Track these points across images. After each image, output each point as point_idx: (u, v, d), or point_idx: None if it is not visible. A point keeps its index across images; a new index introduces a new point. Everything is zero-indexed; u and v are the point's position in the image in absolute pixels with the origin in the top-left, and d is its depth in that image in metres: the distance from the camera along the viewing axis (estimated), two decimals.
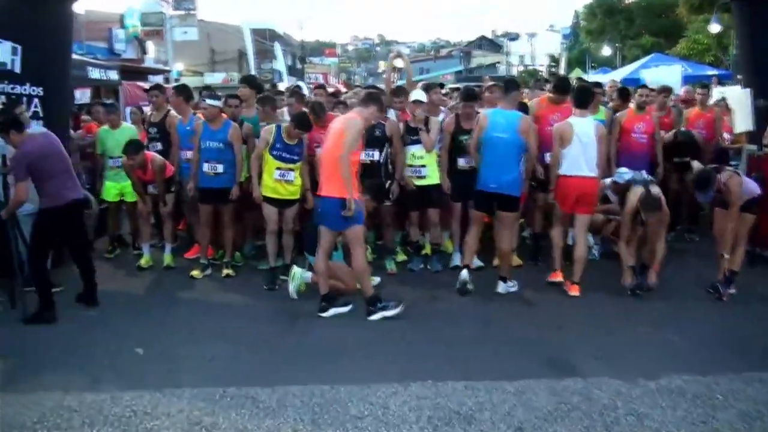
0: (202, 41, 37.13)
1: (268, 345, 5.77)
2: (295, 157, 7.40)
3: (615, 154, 8.61)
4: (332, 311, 6.44)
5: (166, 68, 27.78)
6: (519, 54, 77.91)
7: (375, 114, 6.69)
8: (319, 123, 7.76)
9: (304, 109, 8.03)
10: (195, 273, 7.80)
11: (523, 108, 7.79)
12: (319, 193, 6.55)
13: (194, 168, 7.85)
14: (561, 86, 8.19)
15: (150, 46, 31.84)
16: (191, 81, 25.65)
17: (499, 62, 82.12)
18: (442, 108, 8.68)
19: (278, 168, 7.37)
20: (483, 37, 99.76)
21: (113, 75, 12.77)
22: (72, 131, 8.55)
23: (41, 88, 7.78)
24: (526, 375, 5.07)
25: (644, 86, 9.22)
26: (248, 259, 8.39)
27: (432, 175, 7.75)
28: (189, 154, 7.98)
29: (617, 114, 8.87)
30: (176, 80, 26.73)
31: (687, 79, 19.02)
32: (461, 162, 7.80)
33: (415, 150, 7.73)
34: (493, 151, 6.98)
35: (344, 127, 6.36)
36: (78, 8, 24.53)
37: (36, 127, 6.79)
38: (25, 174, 6.15)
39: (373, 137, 7.63)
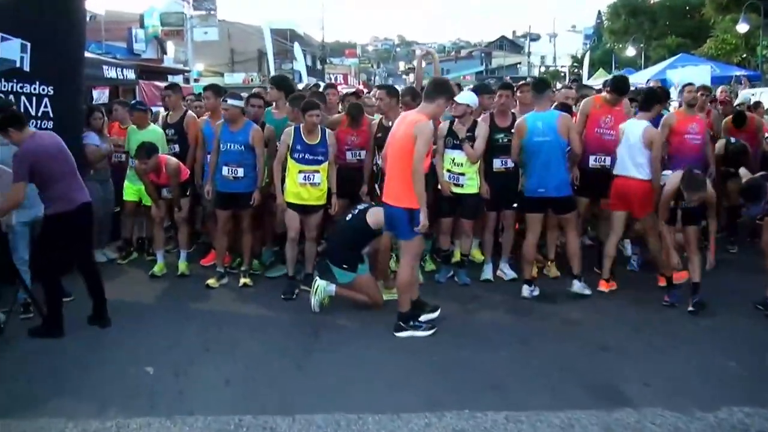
0: (222, 41, 37.25)
1: (287, 365, 5.31)
2: (320, 158, 6.97)
3: (663, 157, 8.11)
4: (408, 333, 5.91)
5: (186, 68, 27.65)
6: (540, 54, 77.43)
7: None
8: (355, 126, 7.47)
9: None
10: (211, 282, 7.39)
11: (567, 109, 7.34)
12: (384, 200, 6.04)
13: (211, 171, 7.46)
14: (619, 86, 7.51)
15: (170, 46, 31.79)
16: (211, 81, 25.22)
17: (520, 63, 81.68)
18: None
19: (301, 171, 6.95)
20: (504, 38, 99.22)
21: (130, 74, 12.44)
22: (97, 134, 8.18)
23: (52, 87, 7.42)
24: (572, 404, 4.58)
25: (692, 84, 8.65)
26: (266, 267, 7.95)
27: (471, 185, 7.16)
28: None
29: (665, 115, 8.35)
30: (196, 80, 26.58)
31: (714, 80, 18.52)
32: (497, 163, 7.30)
33: (456, 156, 7.13)
34: (536, 157, 6.70)
35: (415, 132, 5.65)
36: (97, 8, 25.10)
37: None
38: (25, 174, 5.69)
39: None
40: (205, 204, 7.91)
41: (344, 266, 6.41)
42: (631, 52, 40.13)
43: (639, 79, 22.01)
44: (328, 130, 7.15)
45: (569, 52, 62.92)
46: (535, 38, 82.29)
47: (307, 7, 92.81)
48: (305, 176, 6.95)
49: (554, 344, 5.69)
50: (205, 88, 8.47)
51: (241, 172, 7.22)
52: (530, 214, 6.92)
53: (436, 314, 6.02)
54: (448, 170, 7.17)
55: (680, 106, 8.98)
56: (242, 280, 7.42)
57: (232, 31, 43.63)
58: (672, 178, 6.53)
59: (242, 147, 7.21)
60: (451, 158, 7.15)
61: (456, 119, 7.12)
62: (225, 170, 7.25)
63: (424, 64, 9.38)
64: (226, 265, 7.79)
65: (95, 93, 15.11)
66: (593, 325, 6.14)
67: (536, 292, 6.84)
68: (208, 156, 7.72)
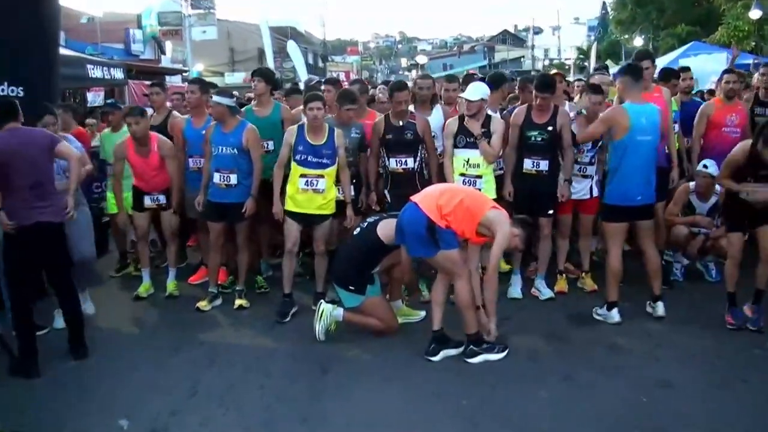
0: (221, 40, 36.71)
1: (289, 417, 4.41)
2: (325, 161, 6.14)
3: (697, 152, 7.34)
4: (443, 354, 5.18)
5: (184, 68, 26.98)
6: (544, 48, 76.57)
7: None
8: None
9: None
10: (202, 304, 6.53)
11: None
12: (413, 198, 5.26)
13: (205, 179, 6.60)
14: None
15: (168, 46, 31.14)
16: (211, 81, 24.53)
17: (523, 56, 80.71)
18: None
19: (303, 175, 6.13)
20: (506, 32, 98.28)
21: (118, 74, 11.62)
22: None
23: (21, 89, 6.55)
24: None
25: (731, 71, 7.77)
26: (261, 287, 7.09)
27: (488, 188, 6.30)
28: (202, 162, 6.75)
29: (702, 105, 7.48)
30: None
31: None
32: (527, 164, 6.41)
33: (471, 156, 6.25)
34: (637, 159, 5.73)
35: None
36: (95, 10, 24.53)
37: None
38: None
39: (403, 141, 6.41)
40: (194, 214, 7.05)
41: (351, 288, 5.57)
42: (638, 42, 39.25)
43: None
44: (336, 130, 6.30)
45: (574, 44, 62.02)
46: (537, 31, 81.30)
47: (308, 4, 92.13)
48: (307, 181, 6.13)
49: (603, 380, 4.79)
50: (190, 81, 7.62)
51: (234, 179, 6.38)
52: (616, 224, 5.92)
53: (458, 351, 5.21)
54: (462, 174, 6.29)
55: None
56: (237, 302, 6.57)
57: (231, 30, 43.07)
58: (739, 145, 5.67)
59: (235, 150, 6.36)
60: (464, 159, 6.28)
61: (466, 115, 6.26)
62: (217, 177, 6.40)
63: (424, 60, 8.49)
64: (220, 283, 6.97)
65: (89, 95, 14.32)
66: (646, 355, 5.23)
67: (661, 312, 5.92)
68: (190, 161, 6.92)
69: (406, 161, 6.44)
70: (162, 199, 6.83)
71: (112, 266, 7.96)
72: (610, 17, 49.06)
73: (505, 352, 5.16)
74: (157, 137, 6.86)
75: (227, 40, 42.11)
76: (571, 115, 6.63)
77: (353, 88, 7.30)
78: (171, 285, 7.05)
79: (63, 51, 10.49)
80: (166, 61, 29.87)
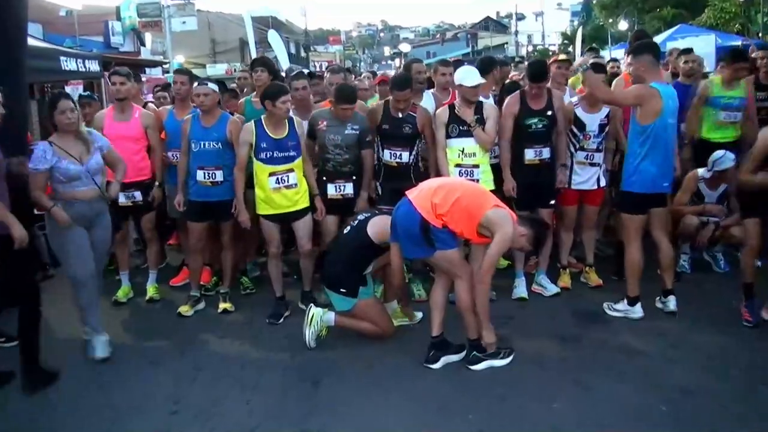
0: (202, 31, 36.34)
1: None
2: (291, 153, 5.76)
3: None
4: (443, 360, 4.81)
5: (165, 60, 26.45)
6: (527, 34, 76.23)
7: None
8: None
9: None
10: (184, 309, 6.13)
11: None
12: (408, 193, 4.86)
13: (181, 177, 6.18)
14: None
15: (148, 38, 30.61)
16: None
17: (506, 43, 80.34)
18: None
19: (272, 173, 5.73)
20: (489, 18, 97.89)
21: (94, 66, 11.04)
22: None
23: None
24: None
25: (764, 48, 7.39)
26: (247, 289, 6.70)
27: (486, 178, 5.94)
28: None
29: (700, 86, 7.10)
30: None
31: (718, 50, 17.53)
32: (529, 154, 6.02)
33: (466, 145, 5.88)
34: (665, 143, 5.36)
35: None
36: (74, 3, 23.99)
37: None
38: None
39: (400, 135, 6.01)
40: (174, 214, 6.63)
41: (342, 291, 5.18)
42: (623, 26, 38.99)
43: None
44: (295, 118, 5.94)
45: (557, 29, 61.71)
46: (520, 18, 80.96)
47: None
48: (278, 179, 5.74)
49: (619, 387, 4.42)
50: (178, 72, 7.11)
51: (220, 175, 5.97)
52: (635, 215, 5.53)
53: (459, 356, 4.85)
54: (458, 164, 5.91)
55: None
56: (222, 305, 6.18)
57: (212, 21, 42.55)
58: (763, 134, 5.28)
59: (219, 145, 5.95)
60: (459, 149, 5.91)
61: (457, 103, 5.90)
62: (200, 175, 5.97)
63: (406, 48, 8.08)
64: (203, 284, 6.59)
65: (68, 89, 13.74)
66: (661, 357, 4.86)
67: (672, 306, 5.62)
68: (170, 154, 6.47)
69: (401, 155, 6.04)
70: (138, 195, 6.37)
71: None
72: (594, 1, 48.86)
73: (511, 357, 4.79)
74: (139, 107, 6.51)
75: (208, 31, 41.59)
76: (574, 100, 6.27)
77: (340, 76, 6.88)
78: (151, 288, 6.63)
79: (34, 43, 10.01)
80: (145, 53, 29.33)
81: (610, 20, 44.08)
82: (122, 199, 6.23)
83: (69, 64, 10.18)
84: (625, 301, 5.62)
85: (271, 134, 5.73)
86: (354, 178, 6.07)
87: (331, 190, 6.05)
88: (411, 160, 6.10)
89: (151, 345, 5.51)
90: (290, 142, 5.76)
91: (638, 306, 5.55)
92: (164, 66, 25.62)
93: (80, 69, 10.56)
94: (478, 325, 4.75)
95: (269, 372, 4.87)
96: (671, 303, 5.60)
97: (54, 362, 4.87)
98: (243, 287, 6.68)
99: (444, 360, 4.79)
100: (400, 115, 5.99)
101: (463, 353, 4.82)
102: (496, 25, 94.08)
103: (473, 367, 4.72)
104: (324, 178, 6.08)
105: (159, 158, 6.50)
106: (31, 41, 9.79)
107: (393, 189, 5.82)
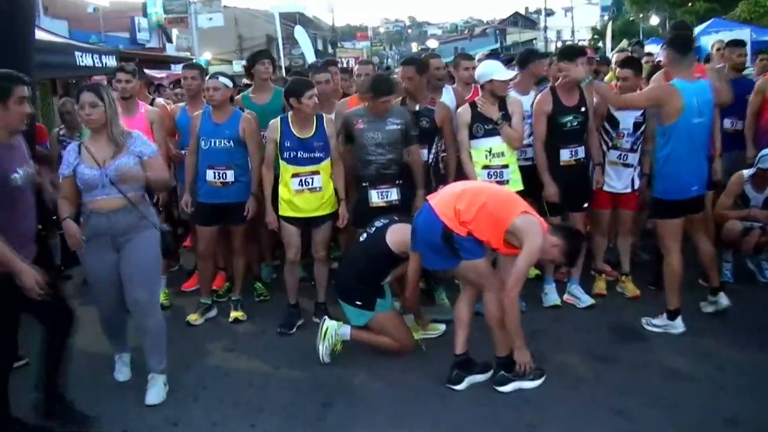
0: (228, 27, 36.33)
1: None
2: (318, 154, 5.35)
3: (752, 134, 6.60)
4: (467, 381, 4.40)
5: (191, 56, 26.31)
6: (556, 29, 75.41)
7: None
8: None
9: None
10: (192, 318, 5.79)
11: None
12: (429, 198, 4.47)
13: (189, 176, 5.83)
14: None
15: (174, 34, 30.57)
16: (219, 70, 23.88)
17: (535, 38, 79.56)
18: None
19: (295, 174, 5.34)
20: (517, 14, 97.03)
21: (111, 61, 10.74)
22: None
23: None
24: None
25: None
26: (261, 295, 6.33)
27: (515, 178, 5.54)
28: None
29: (760, 81, 6.66)
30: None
31: (753, 45, 16.99)
32: (565, 155, 5.59)
33: (493, 144, 5.46)
34: (691, 144, 4.91)
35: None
36: (102, 1, 24.02)
37: None
38: None
39: (418, 129, 5.56)
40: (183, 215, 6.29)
41: (357, 303, 4.79)
42: (654, 20, 38.32)
43: None
44: (325, 116, 5.53)
45: (587, 24, 60.92)
46: (549, 13, 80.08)
47: None
48: (301, 180, 5.35)
49: (661, 417, 3.95)
50: (188, 66, 6.74)
51: (230, 175, 5.59)
52: (672, 221, 5.10)
53: (485, 376, 4.44)
54: (486, 166, 5.49)
55: None
56: (233, 314, 5.83)
57: (238, 17, 42.42)
58: None
59: (231, 143, 5.58)
60: (486, 149, 5.48)
61: (479, 100, 5.49)
62: (210, 174, 5.61)
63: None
64: (216, 289, 6.26)
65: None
66: (707, 381, 4.38)
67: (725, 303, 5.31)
68: (183, 152, 6.08)
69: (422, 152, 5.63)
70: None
71: None
72: None
73: (542, 379, 4.36)
74: (144, 104, 6.19)
75: (235, 27, 41.51)
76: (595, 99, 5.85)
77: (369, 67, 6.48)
78: (161, 294, 6.30)
79: (48, 37, 9.77)
80: (171, 50, 29.22)
81: (641, 15, 43.43)
82: None
83: (85, 60, 9.94)
84: (665, 315, 5.18)
85: (296, 133, 5.34)
86: (399, 182, 5.50)
87: (375, 197, 5.44)
88: (430, 160, 5.70)
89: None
90: (317, 142, 5.36)
91: (679, 320, 5.11)
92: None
93: (96, 65, 10.29)
94: (508, 341, 4.33)
95: (277, 390, 4.50)
96: (723, 300, 5.25)
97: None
98: (257, 293, 6.33)
99: (468, 381, 4.39)
100: (417, 108, 5.58)
101: (490, 373, 4.41)
102: (524, 20, 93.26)
103: (500, 389, 4.31)
104: (365, 184, 5.45)
105: (163, 156, 6.15)
106: (45, 36, 9.60)
107: (410, 191, 5.49)
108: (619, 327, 5.29)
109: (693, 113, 4.82)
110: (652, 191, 5.23)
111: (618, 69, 5.76)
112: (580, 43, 58.07)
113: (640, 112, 5.68)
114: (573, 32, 69.72)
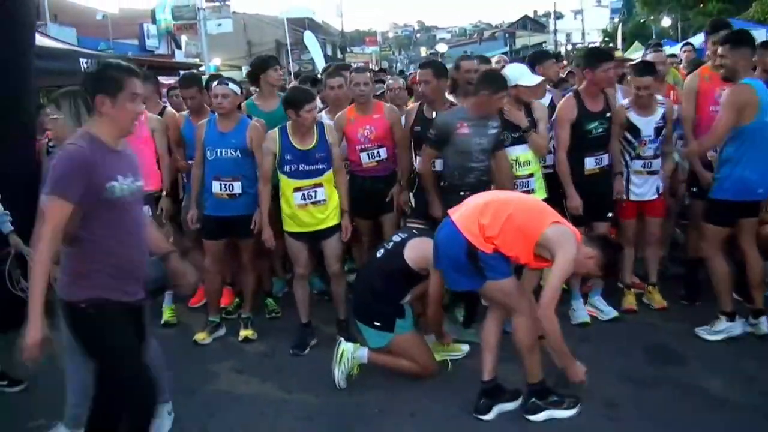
0: (237, 33, 36.38)
1: None
2: (319, 166, 5.06)
3: None
4: (496, 410, 4.07)
5: (199, 63, 26.18)
6: (566, 32, 75.19)
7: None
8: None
9: None
10: (200, 337, 5.50)
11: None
12: (450, 212, 4.13)
13: (195, 188, 5.56)
14: None
15: (183, 40, 30.54)
16: (229, 76, 23.77)
17: (545, 42, 79.34)
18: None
19: (297, 188, 5.05)
20: (526, 17, 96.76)
21: None
22: None
23: None
24: None
25: None
26: (272, 312, 6.04)
27: (539, 186, 5.27)
28: None
29: None
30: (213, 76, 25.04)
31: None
32: (590, 163, 5.30)
33: (521, 153, 5.19)
34: (763, 143, 4.66)
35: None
36: (111, 7, 23.99)
37: None
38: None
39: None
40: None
41: (375, 324, 4.47)
42: (666, 22, 37.97)
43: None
44: (326, 124, 5.27)
45: (597, 27, 60.64)
46: (559, 16, 79.85)
47: None
48: (304, 194, 5.05)
49: None
50: (184, 86, 6.18)
51: (237, 187, 5.30)
52: (723, 228, 4.89)
53: (515, 404, 4.11)
54: (514, 176, 5.21)
55: None
56: (243, 333, 5.53)
57: (247, 23, 42.38)
58: None
59: (237, 153, 5.30)
60: (512, 159, 5.19)
61: (505, 106, 5.13)
62: (216, 186, 5.32)
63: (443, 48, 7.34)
64: (224, 306, 5.99)
65: None
66: (751, 409, 4.02)
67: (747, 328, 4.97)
68: (190, 163, 5.79)
69: (434, 162, 5.29)
70: (145, 210, 5.72)
71: None
72: None
73: (576, 409, 4.01)
74: (144, 111, 5.79)
75: (244, 32, 41.47)
76: (625, 102, 5.53)
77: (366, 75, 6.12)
78: (167, 311, 6.02)
79: (51, 43, 9.56)
80: (180, 56, 29.10)
81: (652, 17, 43.08)
82: None
83: (89, 66, 9.66)
84: (723, 319, 4.91)
85: (296, 145, 5.04)
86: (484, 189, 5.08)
87: None
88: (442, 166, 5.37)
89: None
90: (318, 153, 5.06)
91: (739, 322, 4.90)
92: (200, 68, 25.33)
93: None
94: (539, 367, 4.01)
95: (290, 419, 4.20)
96: (763, 325, 4.89)
97: None
98: (268, 310, 6.04)
99: (497, 410, 4.06)
100: (434, 115, 5.29)
101: (519, 400, 4.09)
102: (533, 24, 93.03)
103: (532, 418, 3.98)
104: (463, 193, 4.73)
105: (166, 166, 5.88)
106: (48, 42, 9.37)
107: (427, 202, 5.21)
108: (654, 347, 4.95)
109: (765, 112, 4.62)
110: (711, 192, 4.96)
111: (636, 78, 5.39)
112: (590, 47, 58.03)
113: (660, 116, 5.41)
114: (583, 35, 69.51)
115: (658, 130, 5.42)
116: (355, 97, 5.69)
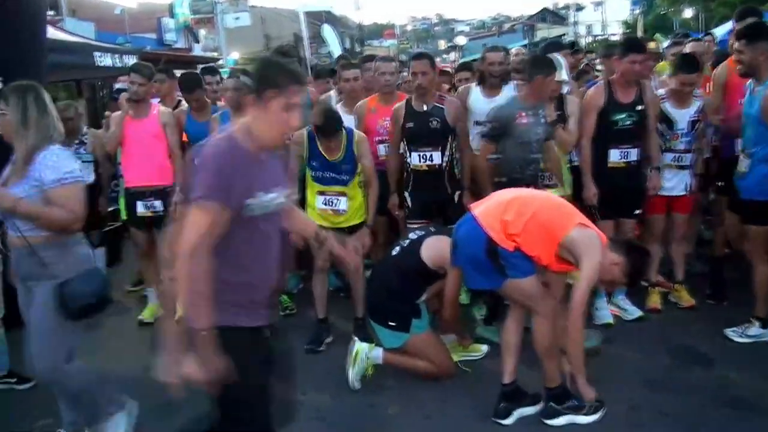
0: (255, 27, 36.44)
1: None
2: (344, 177, 5.01)
3: None
4: (516, 415, 3.93)
5: (218, 57, 26.22)
6: (586, 24, 74.68)
7: None
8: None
9: None
10: None
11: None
12: (473, 207, 3.99)
13: None
14: None
15: (201, 34, 30.65)
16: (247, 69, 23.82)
17: (565, 34, 78.82)
18: None
19: (321, 192, 5.01)
20: (545, 10, 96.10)
21: (131, 61, 10.45)
22: None
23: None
24: None
25: None
26: (287, 308, 5.90)
27: (564, 182, 5.17)
28: None
29: None
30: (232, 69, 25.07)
31: None
32: (614, 156, 5.14)
33: None
34: None
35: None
36: (130, 2, 24.11)
37: None
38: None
39: (426, 131, 5.12)
40: None
41: (390, 324, 4.34)
42: (688, 14, 37.58)
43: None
44: (356, 134, 5.13)
45: (617, 19, 60.23)
46: (579, 8, 79.30)
47: None
48: (326, 200, 5.04)
49: None
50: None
51: None
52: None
53: (535, 409, 3.96)
54: None
55: None
56: None
57: (265, 16, 42.41)
58: None
59: None
60: None
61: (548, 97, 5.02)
62: None
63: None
64: None
65: (119, 85, 13.24)
66: None
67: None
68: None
69: (431, 156, 5.18)
70: (158, 205, 5.66)
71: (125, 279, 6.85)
72: None
73: (599, 414, 3.85)
74: (158, 104, 5.90)
75: (261, 26, 41.48)
76: (661, 92, 5.36)
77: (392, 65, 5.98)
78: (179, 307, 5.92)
79: (65, 37, 9.52)
80: (198, 50, 29.15)
81: (672, 9, 42.65)
82: (141, 209, 5.61)
83: (104, 60, 9.67)
84: (757, 324, 4.75)
85: (324, 153, 4.99)
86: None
87: None
88: (444, 163, 5.24)
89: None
90: (345, 165, 5.02)
91: None
92: (218, 62, 25.34)
93: (116, 65, 10.04)
94: (558, 371, 3.87)
95: (302, 419, 4.06)
96: None
97: None
98: (282, 307, 5.92)
99: (517, 414, 3.91)
100: (425, 108, 5.16)
101: (539, 404, 3.94)
102: (553, 16, 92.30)
103: (550, 422, 3.84)
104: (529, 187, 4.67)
105: (178, 161, 5.80)
106: (62, 35, 9.32)
107: (424, 200, 5.18)
108: (679, 348, 4.78)
109: None
110: (748, 193, 4.76)
111: (682, 75, 5.20)
112: (611, 39, 57.56)
113: (696, 109, 5.26)
114: (603, 27, 69.01)
115: (692, 124, 5.29)
116: (380, 87, 5.62)
